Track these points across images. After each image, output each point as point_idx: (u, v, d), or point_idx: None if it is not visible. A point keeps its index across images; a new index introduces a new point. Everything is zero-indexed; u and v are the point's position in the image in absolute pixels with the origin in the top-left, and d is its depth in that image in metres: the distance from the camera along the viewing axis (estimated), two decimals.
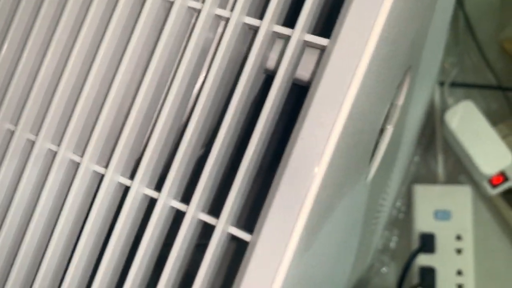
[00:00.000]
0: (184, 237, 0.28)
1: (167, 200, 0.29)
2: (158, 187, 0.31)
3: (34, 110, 0.34)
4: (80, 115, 0.32)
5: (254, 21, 0.30)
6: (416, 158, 0.93)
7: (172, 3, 0.32)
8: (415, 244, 0.88)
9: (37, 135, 0.33)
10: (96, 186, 0.33)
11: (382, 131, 0.47)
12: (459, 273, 0.87)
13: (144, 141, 0.33)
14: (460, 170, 0.89)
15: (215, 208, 0.30)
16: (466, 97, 0.87)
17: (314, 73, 0.28)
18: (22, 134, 0.34)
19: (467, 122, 0.80)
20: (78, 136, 0.32)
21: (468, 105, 0.81)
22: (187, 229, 0.28)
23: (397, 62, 0.34)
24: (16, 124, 0.34)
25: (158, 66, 0.31)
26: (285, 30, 0.29)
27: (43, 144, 0.33)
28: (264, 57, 0.31)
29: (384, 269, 0.92)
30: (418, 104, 0.68)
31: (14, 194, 0.33)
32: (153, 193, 0.31)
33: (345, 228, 0.44)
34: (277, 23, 0.30)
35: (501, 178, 0.84)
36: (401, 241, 0.93)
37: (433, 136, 0.91)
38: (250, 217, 0.30)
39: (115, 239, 0.30)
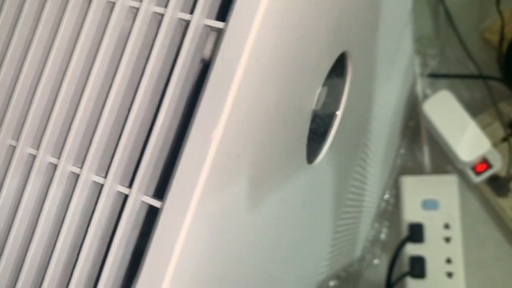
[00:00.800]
0: (102, 209, 0.31)
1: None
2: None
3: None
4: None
5: (185, 16, 0.33)
6: (402, 150, 0.94)
7: (114, 4, 0.34)
8: (405, 234, 0.89)
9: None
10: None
11: (331, 116, 0.49)
12: (449, 261, 0.88)
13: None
14: (447, 160, 0.90)
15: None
16: (450, 88, 0.89)
17: (213, 52, 0.31)
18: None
19: (445, 111, 0.82)
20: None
21: (445, 94, 0.82)
22: (105, 201, 0.31)
23: (311, 45, 0.37)
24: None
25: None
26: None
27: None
28: (198, 48, 0.33)
29: (376, 261, 0.94)
30: (390, 92, 0.70)
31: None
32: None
33: (296, 210, 0.46)
34: (208, 17, 0.33)
35: (484, 166, 0.85)
36: (391, 232, 0.94)
37: (418, 127, 0.93)
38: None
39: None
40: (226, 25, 0.30)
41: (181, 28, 0.33)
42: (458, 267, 0.87)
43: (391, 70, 0.65)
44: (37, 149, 0.35)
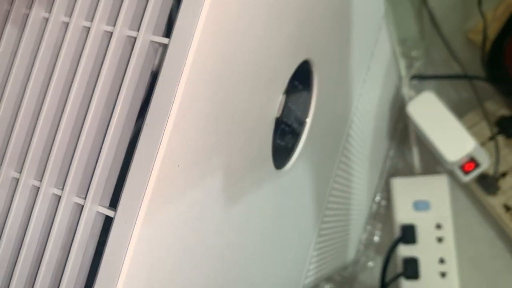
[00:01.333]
0: (60, 220, 0.33)
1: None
2: None
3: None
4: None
5: (133, 33, 0.34)
6: (392, 152, 0.95)
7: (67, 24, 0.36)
8: (397, 236, 0.90)
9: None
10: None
11: (302, 123, 0.50)
12: (442, 261, 0.88)
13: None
14: (436, 160, 0.91)
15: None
16: (436, 89, 0.89)
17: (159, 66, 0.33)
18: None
19: (429, 112, 0.82)
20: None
21: (429, 95, 0.83)
22: (63, 212, 0.33)
23: (267, 53, 0.38)
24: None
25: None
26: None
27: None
28: (147, 63, 0.35)
29: (370, 264, 0.95)
30: (369, 96, 0.71)
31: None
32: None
33: (264, 216, 0.47)
34: (154, 34, 0.34)
35: (472, 165, 0.85)
36: (384, 234, 0.95)
37: (406, 129, 0.94)
38: None
39: None
40: (169, 41, 0.32)
41: (130, 45, 0.34)
42: (452, 267, 0.88)
43: (367, 75, 0.66)
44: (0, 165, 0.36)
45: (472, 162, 0.85)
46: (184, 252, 0.35)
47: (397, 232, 0.90)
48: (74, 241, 0.32)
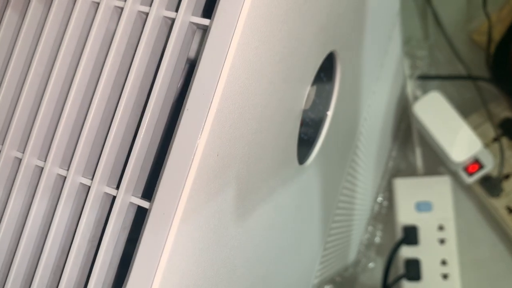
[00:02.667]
0: (90, 211, 0.31)
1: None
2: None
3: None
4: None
5: (171, 14, 0.32)
6: (394, 153, 0.94)
7: (98, 4, 0.34)
8: (399, 237, 0.89)
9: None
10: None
11: (322, 116, 0.49)
12: (444, 262, 0.88)
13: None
14: (439, 161, 0.90)
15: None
16: (439, 89, 0.89)
17: (198, 52, 0.31)
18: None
19: (435, 112, 0.82)
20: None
21: (435, 95, 0.82)
22: (92, 203, 0.31)
23: (299, 44, 0.37)
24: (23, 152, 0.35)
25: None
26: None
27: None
28: (184, 47, 0.33)
29: (371, 264, 0.94)
30: (379, 94, 0.70)
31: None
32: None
33: (286, 212, 0.46)
34: (193, 15, 0.32)
35: (476, 166, 0.85)
36: (385, 235, 0.94)
37: (409, 129, 0.93)
38: None
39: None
40: (211, 22, 0.30)
41: (166, 27, 0.33)
42: (454, 269, 0.87)
43: (381, 72, 0.65)
44: (23, 153, 0.34)
45: (476, 163, 0.85)
46: (218, 246, 0.33)
47: (398, 233, 0.89)
48: (105, 233, 0.30)
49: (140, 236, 0.29)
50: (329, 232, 0.64)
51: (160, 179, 0.29)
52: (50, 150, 0.33)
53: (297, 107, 0.41)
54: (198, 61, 0.30)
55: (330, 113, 0.49)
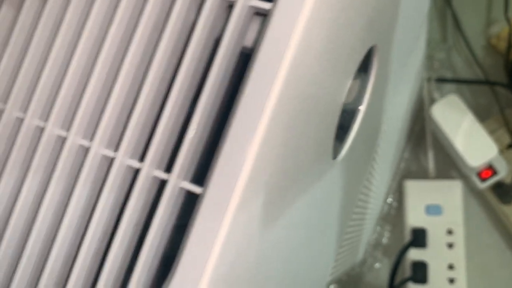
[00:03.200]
0: (138, 195, 0.30)
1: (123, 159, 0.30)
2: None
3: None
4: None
5: None
6: (406, 154, 0.94)
7: None
8: (407, 239, 0.88)
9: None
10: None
11: (354, 112, 0.48)
12: (451, 267, 0.87)
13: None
14: (451, 165, 0.89)
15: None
16: (455, 92, 0.88)
17: (256, 40, 0.30)
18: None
19: (453, 116, 0.81)
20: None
21: (453, 98, 0.82)
22: (141, 186, 0.30)
23: (350, 35, 0.36)
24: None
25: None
26: None
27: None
28: (241, 34, 0.32)
29: (377, 265, 0.93)
30: (401, 94, 0.69)
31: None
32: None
33: (314, 207, 0.45)
34: None
35: (489, 172, 0.84)
36: (393, 236, 0.93)
37: (422, 131, 0.92)
38: None
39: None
40: (274, 6, 0.29)
41: (224, 11, 0.32)
42: (461, 274, 0.87)
43: (404, 71, 0.65)
44: (67, 131, 0.33)
45: (490, 169, 0.84)
46: (262, 239, 0.32)
47: (406, 235, 0.89)
48: (154, 218, 0.29)
49: (190, 223, 0.28)
50: (346, 230, 0.64)
51: (215, 164, 0.28)
52: (97, 130, 0.32)
53: (340, 100, 0.40)
54: (258, 44, 0.29)
55: (363, 108, 0.48)
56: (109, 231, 0.31)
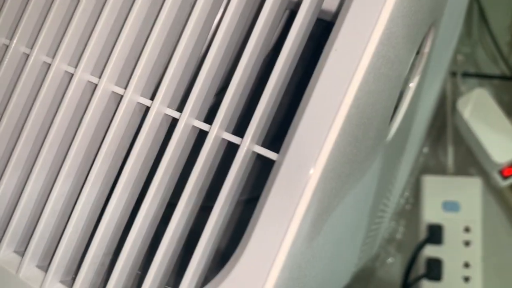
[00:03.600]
0: (206, 156, 0.28)
1: (188, 120, 0.29)
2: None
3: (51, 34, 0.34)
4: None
5: None
6: (426, 149, 0.92)
7: None
8: (422, 234, 0.87)
9: (53, 57, 0.33)
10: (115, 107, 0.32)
11: (401, 93, 0.46)
12: (467, 265, 0.86)
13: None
14: (470, 162, 0.88)
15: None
16: (479, 87, 0.86)
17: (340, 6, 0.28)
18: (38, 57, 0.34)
19: (480, 110, 0.79)
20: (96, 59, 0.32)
21: (482, 93, 0.80)
22: (210, 149, 0.27)
23: (422, 10, 0.34)
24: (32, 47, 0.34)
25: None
26: None
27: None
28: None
29: (390, 260, 0.91)
30: (436, 82, 0.67)
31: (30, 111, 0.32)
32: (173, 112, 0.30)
33: (359, 196, 0.43)
34: None
35: None
36: (407, 232, 0.91)
37: (443, 127, 0.90)
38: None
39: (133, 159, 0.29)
40: None
41: None
42: (476, 272, 0.85)
43: (442, 59, 0.63)
44: (125, 89, 0.31)
45: None
46: (327, 215, 0.30)
47: (422, 231, 0.87)
48: (225, 182, 0.27)
49: (264, 191, 0.26)
50: (374, 221, 0.62)
51: (295, 130, 0.26)
52: (158, 92, 0.30)
53: (404, 74, 0.38)
54: (342, 16, 0.26)
55: (413, 86, 0.45)
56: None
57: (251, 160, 0.28)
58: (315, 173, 0.25)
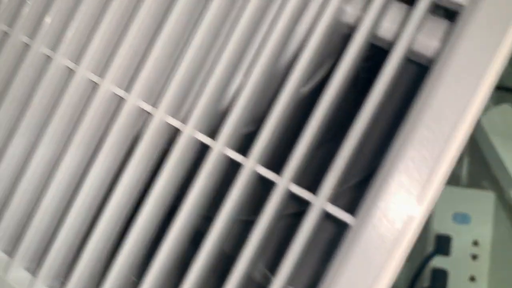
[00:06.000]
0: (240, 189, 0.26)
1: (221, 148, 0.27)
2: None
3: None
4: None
5: None
6: None
7: None
8: (430, 244, 0.86)
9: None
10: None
11: None
12: (472, 279, 0.85)
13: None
14: (485, 175, 0.86)
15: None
16: (500, 101, 0.85)
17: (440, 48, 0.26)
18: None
19: (504, 126, 0.78)
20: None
21: (506, 108, 0.78)
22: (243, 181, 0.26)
23: None
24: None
25: None
26: None
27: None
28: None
29: None
30: None
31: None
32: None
33: None
34: None
35: None
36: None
37: None
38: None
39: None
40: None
41: None
42: (481, 287, 0.84)
43: None
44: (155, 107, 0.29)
45: None
46: None
47: (430, 240, 0.86)
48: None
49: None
50: None
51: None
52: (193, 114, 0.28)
53: None
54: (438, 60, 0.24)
55: None
56: None
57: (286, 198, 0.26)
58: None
